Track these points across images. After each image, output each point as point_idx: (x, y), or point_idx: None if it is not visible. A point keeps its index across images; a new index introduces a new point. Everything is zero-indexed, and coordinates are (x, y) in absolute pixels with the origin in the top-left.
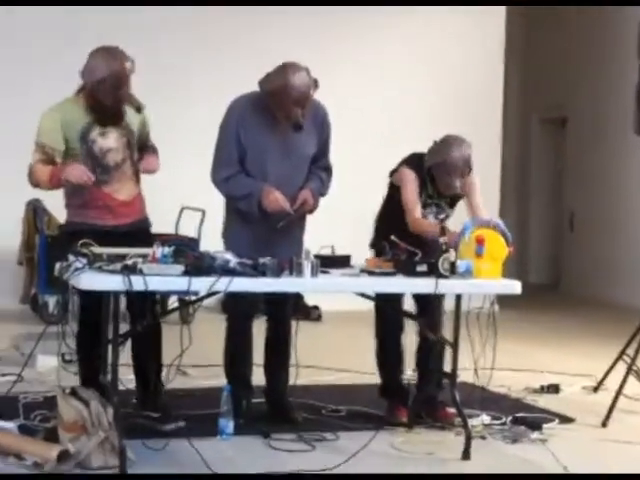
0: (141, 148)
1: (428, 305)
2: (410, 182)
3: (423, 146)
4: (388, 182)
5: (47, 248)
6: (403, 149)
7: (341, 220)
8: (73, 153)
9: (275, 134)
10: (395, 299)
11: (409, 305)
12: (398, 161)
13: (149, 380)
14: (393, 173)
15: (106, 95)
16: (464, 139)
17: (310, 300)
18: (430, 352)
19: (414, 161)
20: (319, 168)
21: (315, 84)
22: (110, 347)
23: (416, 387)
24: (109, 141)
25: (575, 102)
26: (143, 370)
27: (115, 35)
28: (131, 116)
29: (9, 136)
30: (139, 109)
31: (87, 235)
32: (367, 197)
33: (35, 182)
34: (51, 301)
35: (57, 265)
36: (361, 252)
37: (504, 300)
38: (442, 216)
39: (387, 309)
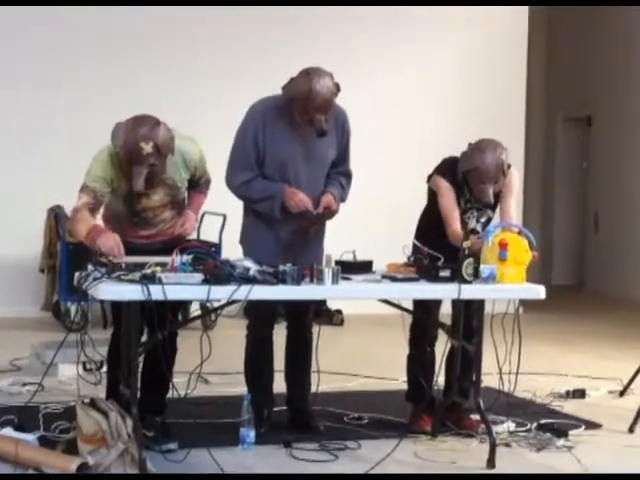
0: (192, 185)
1: (465, 310)
2: (446, 192)
3: (448, 147)
4: (427, 188)
5: (69, 255)
6: (427, 150)
7: (363, 224)
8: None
9: (297, 139)
10: (431, 306)
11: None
12: (426, 163)
13: (155, 394)
14: (430, 178)
15: (124, 164)
16: (498, 143)
17: (333, 304)
18: (457, 359)
19: (447, 167)
20: (339, 173)
21: (337, 88)
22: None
23: (442, 395)
24: (152, 201)
25: (600, 100)
26: (151, 383)
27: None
28: (177, 167)
29: (31, 144)
30: (186, 163)
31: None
32: (389, 201)
33: (73, 230)
34: (73, 308)
35: (76, 275)
36: (383, 256)
37: (528, 302)
38: (484, 219)
39: (421, 316)
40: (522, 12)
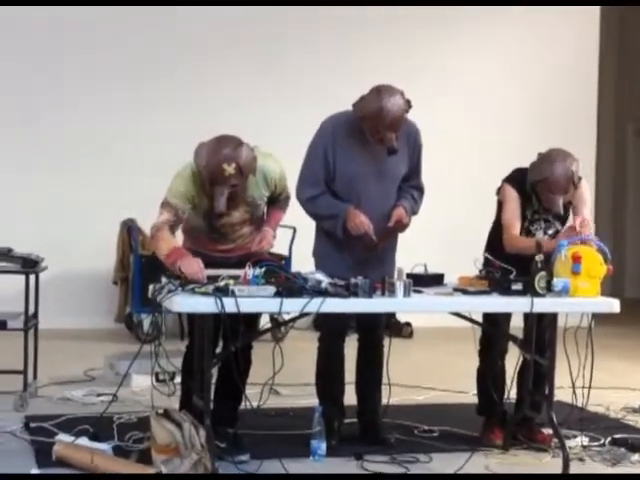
0: (272, 201)
1: (538, 324)
2: (511, 201)
3: (516, 158)
4: (497, 200)
5: (141, 267)
6: (499, 162)
7: (433, 237)
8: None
9: (367, 155)
10: (500, 319)
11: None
12: (498, 175)
13: (228, 406)
14: (499, 190)
15: (205, 185)
16: (568, 154)
17: (402, 317)
18: (529, 373)
19: (516, 177)
20: (411, 187)
21: (408, 105)
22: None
23: (514, 408)
24: (233, 218)
25: None
26: (224, 394)
27: None
28: (258, 185)
29: (104, 157)
30: (266, 180)
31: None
32: (459, 213)
33: (154, 249)
34: (146, 320)
35: (150, 287)
36: (455, 269)
37: (600, 316)
38: (551, 231)
39: (490, 329)
40: (593, 19)
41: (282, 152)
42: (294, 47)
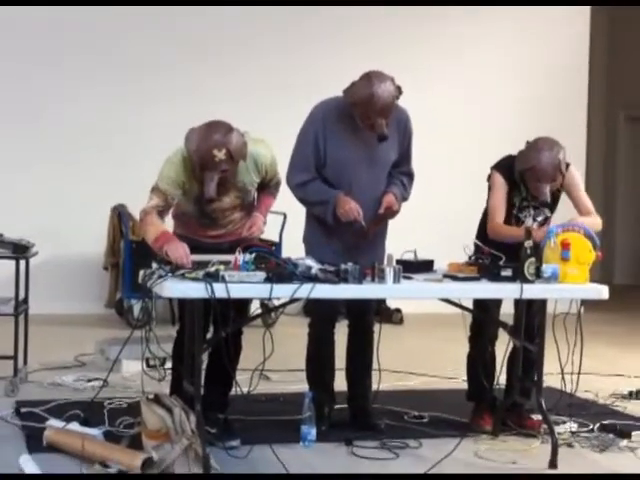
0: (262, 187)
1: (527, 310)
2: (497, 188)
3: (508, 147)
4: (487, 187)
5: (132, 253)
6: (487, 150)
7: (424, 223)
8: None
9: (357, 142)
10: (490, 305)
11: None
12: (488, 163)
13: (218, 391)
14: (490, 176)
15: (195, 170)
16: (555, 142)
17: (392, 303)
18: (519, 359)
19: (505, 164)
20: (401, 173)
21: (399, 91)
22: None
23: (504, 394)
24: (223, 204)
25: None
26: (215, 380)
27: None
28: (248, 171)
29: (96, 144)
30: (257, 166)
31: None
32: (450, 199)
33: (143, 234)
34: (136, 306)
35: (141, 272)
36: (445, 255)
37: (589, 302)
38: (540, 218)
39: (481, 315)
40: (584, 12)
41: (274, 139)
42: (284, 43)
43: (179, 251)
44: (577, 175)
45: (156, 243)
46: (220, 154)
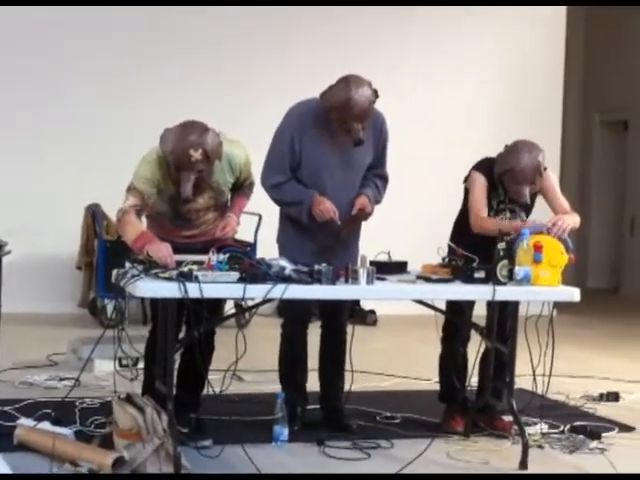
0: (236, 188)
1: (500, 312)
2: (479, 185)
3: (484, 148)
4: (464, 188)
5: (106, 253)
6: (464, 153)
7: (399, 225)
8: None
9: (333, 145)
10: (463, 307)
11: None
12: (464, 165)
13: (191, 391)
14: (466, 178)
15: (171, 170)
16: (534, 145)
17: (366, 305)
18: (490, 360)
19: (485, 165)
20: (375, 176)
21: (376, 95)
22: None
23: (475, 395)
24: (197, 204)
25: (637, 104)
26: (187, 380)
27: None
28: (223, 171)
29: (69, 143)
30: (232, 166)
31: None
32: (425, 201)
33: (121, 233)
34: (110, 305)
35: (114, 272)
36: (418, 257)
37: (562, 305)
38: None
39: (453, 316)
40: (560, 13)
41: (250, 141)
42: (264, 44)
43: (162, 251)
44: (553, 178)
45: (136, 243)
46: (196, 154)
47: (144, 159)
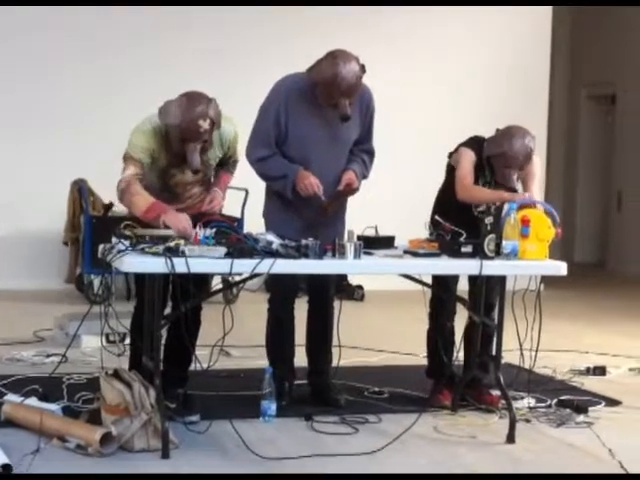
0: (221, 164)
1: (482, 285)
2: (468, 159)
3: (471, 123)
4: (447, 163)
5: (92, 228)
6: (450, 128)
7: (386, 199)
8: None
9: (319, 120)
10: (448, 281)
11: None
12: (451, 141)
13: (178, 366)
14: (452, 155)
15: (174, 142)
16: (526, 130)
17: (353, 280)
18: (477, 334)
19: (474, 144)
20: (362, 151)
21: (363, 70)
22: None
23: (462, 370)
24: (186, 177)
25: (624, 79)
26: (174, 355)
27: None
28: (213, 146)
29: (55, 118)
30: (222, 142)
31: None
32: (413, 176)
33: (127, 204)
34: (96, 281)
35: (100, 247)
36: (405, 232)
37: (549, 279)
38: (499, 203)
39: (440, 291)
40: None
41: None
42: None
43: (182, 222)
44: (537, 166)
45: (149, 214)
46: (205, 124)
47: (138, 129)
